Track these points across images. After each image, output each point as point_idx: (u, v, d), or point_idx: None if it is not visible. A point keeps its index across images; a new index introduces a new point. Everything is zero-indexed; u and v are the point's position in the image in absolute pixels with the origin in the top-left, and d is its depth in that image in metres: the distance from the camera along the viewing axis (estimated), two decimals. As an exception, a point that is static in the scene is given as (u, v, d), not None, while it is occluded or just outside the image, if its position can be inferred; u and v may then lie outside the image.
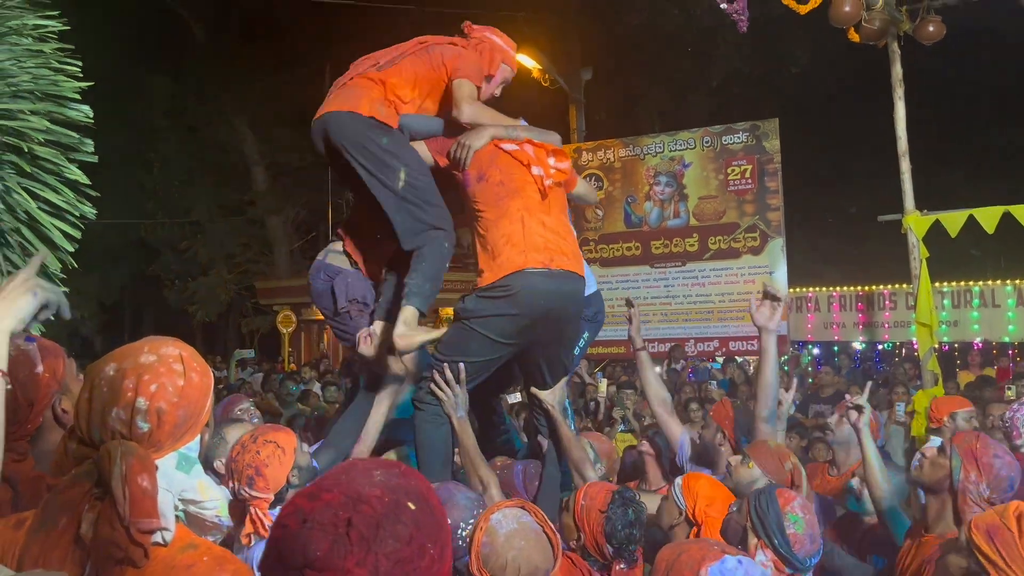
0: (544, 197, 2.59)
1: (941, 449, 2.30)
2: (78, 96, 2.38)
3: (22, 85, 2.12)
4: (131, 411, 1.21)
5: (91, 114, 2.31)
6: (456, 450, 2.58)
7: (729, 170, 10.69)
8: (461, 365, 2.52)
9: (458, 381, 2.49)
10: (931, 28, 6.73)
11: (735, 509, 2.20)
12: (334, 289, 2.88)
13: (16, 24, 2.37)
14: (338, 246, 3.01)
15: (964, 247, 11.00)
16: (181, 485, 1.27)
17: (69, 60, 2.40)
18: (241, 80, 16.46)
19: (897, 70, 6.82)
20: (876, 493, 2.67)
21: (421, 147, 2.76)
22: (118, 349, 1.30)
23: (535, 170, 2.58)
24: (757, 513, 2.07)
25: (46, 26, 2.37)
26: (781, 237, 10.44)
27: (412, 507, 0.94)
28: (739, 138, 10.67)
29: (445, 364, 2.52)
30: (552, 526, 1.88)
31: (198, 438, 1.33)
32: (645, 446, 3.33)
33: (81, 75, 2.43)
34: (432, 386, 2.52)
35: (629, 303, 3.33)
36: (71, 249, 2.17)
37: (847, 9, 6.17)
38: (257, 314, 18.30)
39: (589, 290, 2.91)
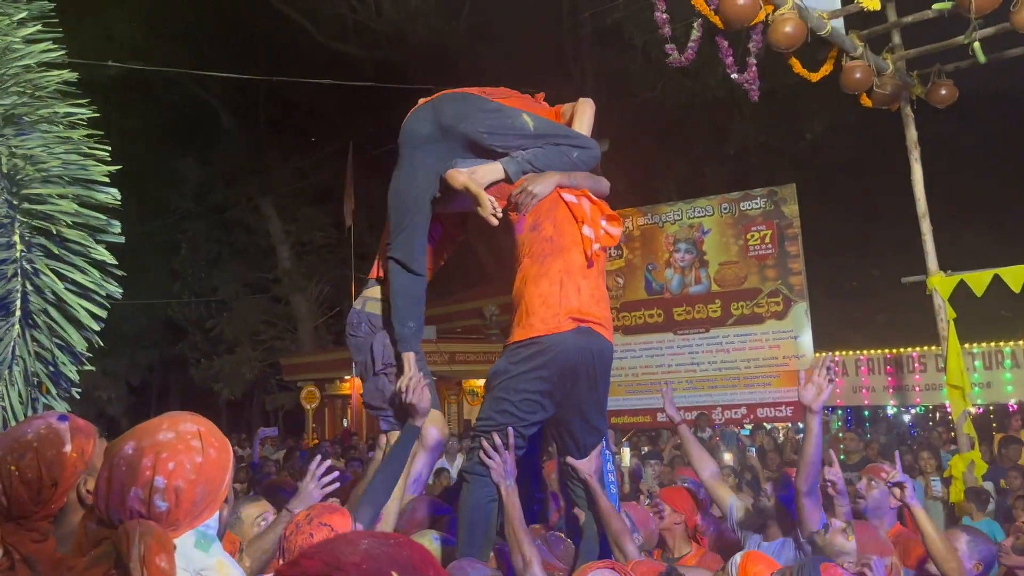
0: (588, 262, 2.60)
1: None
2: (107, 179, 2.46)
3: (52, 170, 2.20)
4: (149, 490, 1.20)
5: (119, 197, 2.38)
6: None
7: (749, 236, 10.70)
8: (510, 429, 2.50)
9: (507, 446, 2.47)
10: (943, 92, 6.78)
11: None
12: (373, 346, 2.84)
13: (47, 113, 2.47)
14: (376, 292, 2.98)
15: (993, 307, 10.85)
16: (200, 564, 1.25)
17: (98, 145, 2.49)
18: (267, 163, 16.93)
19: (912, 133, 6.86)
20: (949, 566, 2.54)
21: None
22: (137, 426, 1.30)
23: (586, 230, 2.60)
24: None
25: (76, 113, 2.46)
26: (804, 301, 10.37)
27: None
28: (757, 204, 10.72)
29: (493, 432, 2.50)
30: None
31: (217, 515, 1.32)
32: (666, 515, 3.25)
33: (110, 159, 2.51)
34: (481, 454, 2.49)
35: (663, 388, 3.35)
36: (97, 328, 2.21)
37: (858, 76, 6.25)
38: (281, 391, 18.35)
39: None
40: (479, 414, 2.64)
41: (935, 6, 5.71)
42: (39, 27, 2.93)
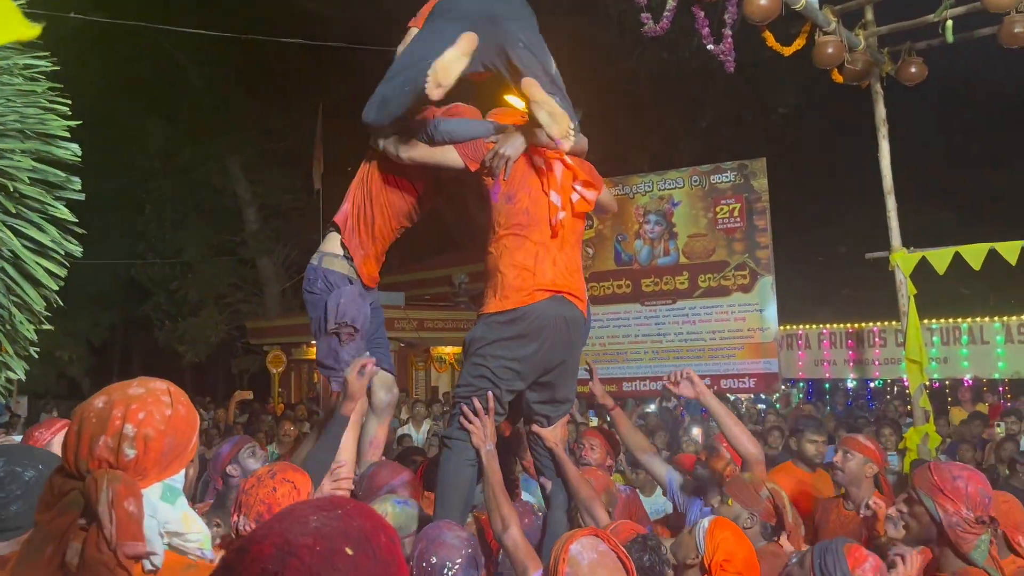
0: (555, 235, 2.59)
1: (908, 500, 2.18)
2: (67, 134, 2.40)
3: (9, 124, 2.14)
4: (118, 438, 1.21)
5: (79, 152, 2.32)
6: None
7: (718, 208, 10.77)
8: (490, 393, 2.51)
9: (487, 411, 2.48)
10: (913, 70, 6.84)
11: (795, 561, 2.06)
12: (327, 304, 2.81)
13: (6, 64, 2.39)
14: (334, 245, 2.92)
15: (953, 285, 11.07)
16: (165, 516, 1.26)
17: (59, 99, 2.42)
18: (235, 123, 16.60)
19: (880, 110, 6.92)
20: (745, 449, 2.77)
21: (451, 152, 2.72)
22: (108, 386, 1.31)
23: (553, 197, 2.57)
24: (822, 572, 1.92)
25: (36, 66, 2.39)
26: (771, 275, 10.50)
27: (350, 552, 0.88)
28: (727, 177, 10.78)
29: (473, 396, 2.51)
30: (625, 551, 1.86)
31: (183, 472, 1.33)
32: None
33: (70, 114, 2.45)
34: (461, 419, 2.50)
35: (588, 367, 3.22)
36: (55, 287, 2.17)
37: (830, 51, 6.27)
38: (247, 354, 18.21)
39: None
40: (459, 380, 2.64)
41: (908, -17, 5.73)
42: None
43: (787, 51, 6.22)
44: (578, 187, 2.64)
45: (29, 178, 2.11)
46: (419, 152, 2.73)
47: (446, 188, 3.06)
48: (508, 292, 2.54)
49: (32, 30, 0.50)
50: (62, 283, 2.23)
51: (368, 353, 2.78)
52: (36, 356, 2.26)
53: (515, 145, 2.60)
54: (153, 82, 16.62)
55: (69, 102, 2.43)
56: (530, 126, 2.66)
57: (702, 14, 5.56)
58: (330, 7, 14.60)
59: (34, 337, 2.25)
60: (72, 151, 2.28)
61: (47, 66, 2.39)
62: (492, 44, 2.72)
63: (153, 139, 17.33)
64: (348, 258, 2.89)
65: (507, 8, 2.81)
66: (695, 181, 10.99)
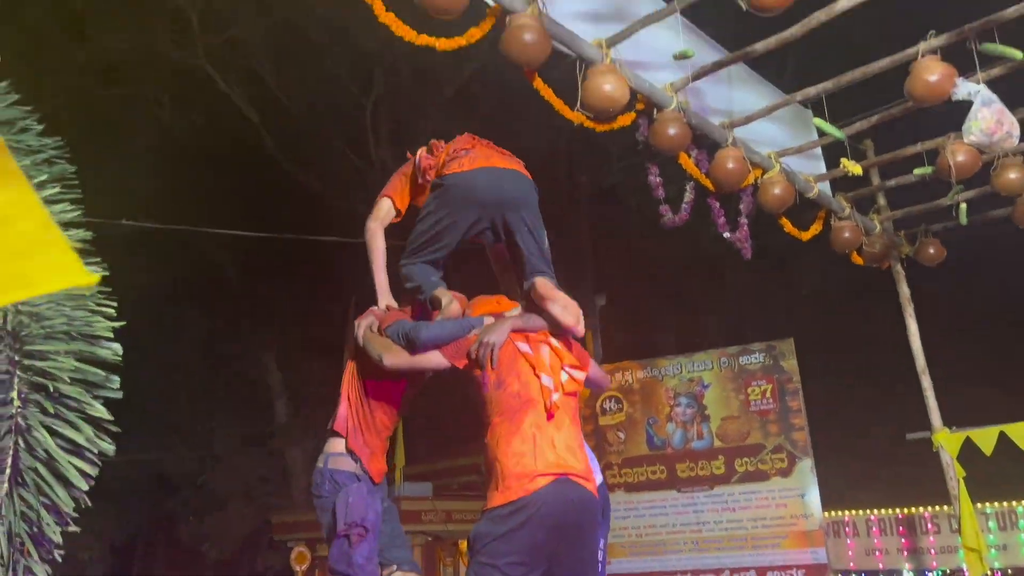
0: (550, 417, 2.58)
1: None
2: (111, 335, 2.48)
3: (57, 327, 2.23)
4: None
5: (120, 352, 2.40)
6: None
7: (749, 390, 10.65)
8: None
9: None
10: (931, 251, 6.97)
11: None
12: (336, 505, 2.76)
13: (59, 270, 2.53)
14: (338, 446, 2.94)
15: (1003, 464, 10.64)
16: None
17: (105, 301, 2.53)
18: (270, 316, 17.11)
19: (904, 290, 6.99)
20: None
21: (435, 355, 2.79)
22: None
23: (544, 380, 2.59)
24: None
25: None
26: (809, 458, 10.17)
27: None
28: (756, 358, 10.74)
29: None
30: None
31: None
32: None
33: (115, 315, 2.55)
34: None
35: None
36: (85, 488, 2.16)
37: (847, 235, 6.45)
38: (272, 550, 17.62)
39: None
40: None
41: (916, 171, 5.98)
42: (59, 188, 3.06)
43: (805, 236, 6.40)
44: (567, 368, 2.68)
45: (70, 378, 2.17)
46: (403, 360, 2.80)
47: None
48: (509, 482, 2.49)
49: (91, 277, 0.54)
50: (93, 482, 2.23)
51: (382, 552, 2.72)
52: (59, 560, 2.22)
53: (499, 333, 2.67)
54: (194, 279, 17.35)
55: (115, 303, 2.54)
56: (518, 317, 2.80)
57: (717, 204, 5.79)
58: (362, 204, 15.43)
59: (59, 540, 2.21)
60: (114, 351, 2.35)
61: (97, 271, 2.52)
62: (497, 222, 2.97)
63: (188, 334, 17.83)
64: (355, 458, 2.89)
65: (516, 190, 3.02)
66: (724, 363, 10.95)
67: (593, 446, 11.03)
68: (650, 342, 16.65)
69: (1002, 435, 6.24)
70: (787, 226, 6.36)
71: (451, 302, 2.91)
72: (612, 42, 4.77)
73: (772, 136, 6.07)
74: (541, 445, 2.51)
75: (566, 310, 2.75)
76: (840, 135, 5.48)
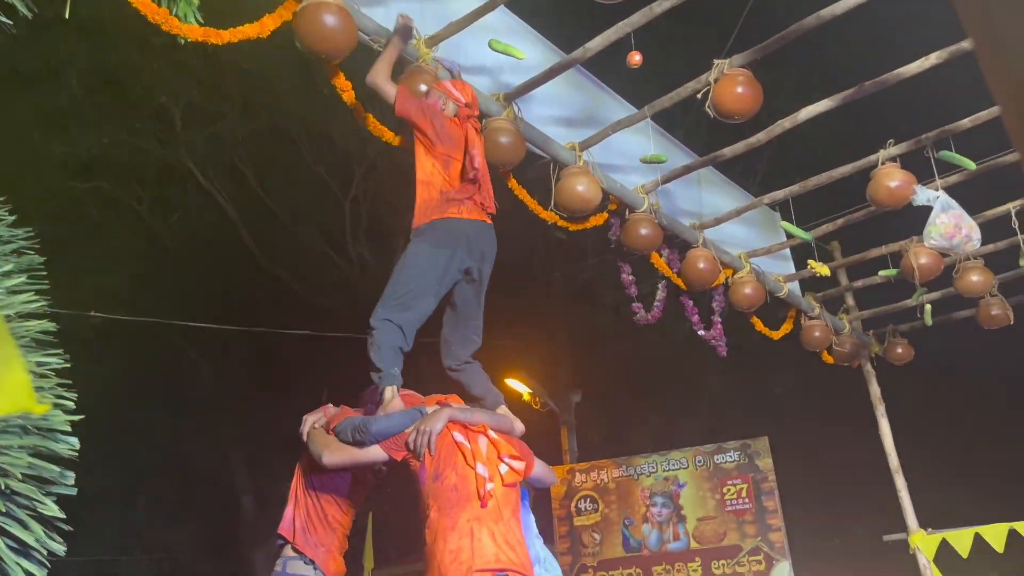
0: (484, 505, 2.54)
1: None
2: (68, 428, 2.41)
3: (12, 420, 2.17)
4: None
5: (77, 447, 2.33)
6: None
7: (725, 489, 10.51)
8: None
9: None
10: (899, 350, 7.07)
11: None
12: None
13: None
14: (291, 549, 2.88)
15: (980, 567, 10.48)
16: None
17: (65, 394, 2.47)
18: (240, 413, 16.78)
19: (875, 389, 7.04)
20: None
21: (375, 449, 2.75)
22: None
23: (480, 469, 2.55)
24: None
25: (47, 363, 2.48)
26: (787, 560, 9.96)
27: None
28: (731, 457, 10.65)
29: None
30: None
31: None
32: None
33: (75, 408, 2.48)
34: None
35: None
36: (31, 591, 2.06)
37: (817, 334, 6.53)
38: (231, 663, 16.73)
39: None
40: None
41: (881, 273, 6.12)
42: (24, 279, 3.04)
43: (776, 335, 6.47)
44: (506, 459, 2.66)
45: (23, 474, 2.09)
46: (343, 456, 2.78)
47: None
48: None
49: (40, 407, 0.53)
50: (40, 586, 2.12)
51: None
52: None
53: (436, 421, 2.67)
54: (162, 374, 17.06)
55: (75, 396, 2.48)
56: (458, 409, 2.85)
57: (691, 303, 5.87)
58: (336, 300, 15.43)
59: (-1, 651, 2.09)
60: (70, 445, 2.28)
61: (59, 363, 2.48)
62: (473, 270, 3.33)
63: (155, 431, 17.38)
64: (307, 560, 2.82)
65: (491, 250, 3.43)
66: (699, 461, 10.84)
67: (567, 548, 10.76)
68: (625, 440, 16.50)
69: (978, 536, 6.18)
70: (758, 325, 6.44)
71: (393, 397, 2.93)
72: (585, 145, 4.92)
73: (742, 237, 6.22)
74: (480, 538, 2.45)
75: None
76: (807, 236, 5.62)
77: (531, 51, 4.62)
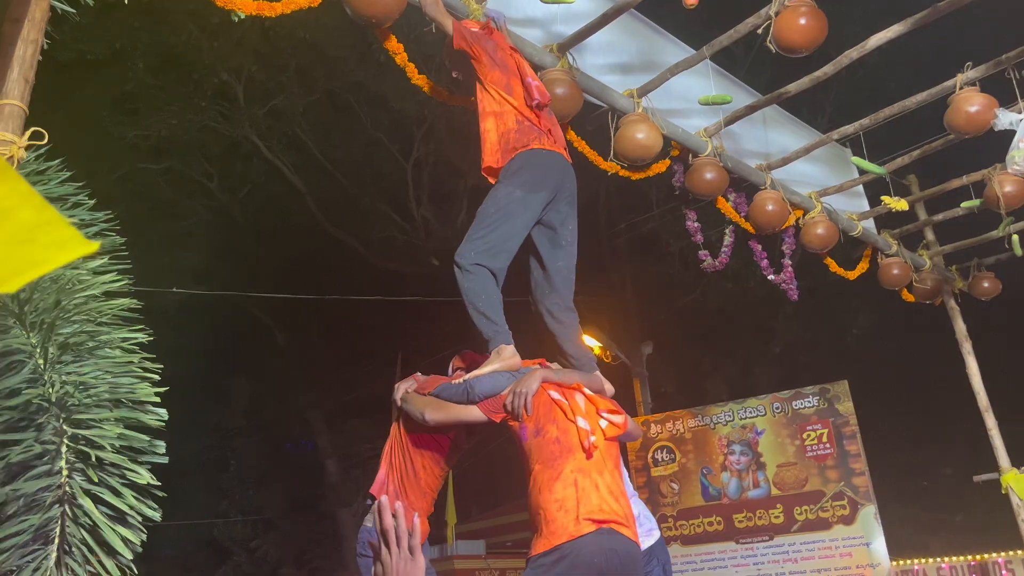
0: (589, 456, 2.54)
1: None
2: (157, 399, 2.51)
3: (102, 395, 2.26)
4: None
5: (165, 417, 2.42)
6: None
7: (805, 435, 10.36)
8: None
9: None
10: (986, 284, 6.78)
11: None
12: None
13: (108, 338, 2.58)
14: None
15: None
16: None
17: (152, 367, 2.57)
18: (317, 377, 17.26)
19: (960, 326, 6.79)
20: None
21: (474, 410, 2.77)
22: None
23: (581, 422, 2.56)
24: None
25: (134, 338, 2.57)
26: (872, 504, 9.80)
27: None
28: (810, 402, 10.47)
29: None
30: None
31: None
32: None
33: (160, 380, 2.58)
34: None
35: None
36: (129, 556, 2.16)
37: (896, 272, 6.31)
38: (325, 615, 17.48)
39: (650, 540, 2.81)
40: None
41: (963, 204, 5.85)
42: (107, 259, 3.16)
43: (851, 275, 6.28)
44: (604, 414, 2.67)
45: (115, 445, 2.19)
46: (444, 414, 2.80)
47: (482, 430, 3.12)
48: (552, 528, 2.44)
49: (91, 246, 0.58)
50: (140, 549, 2.22)
51: None
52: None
53: (530, 382, 2.68)
54: (240, 343, 17.63)
55: (161, 368, 2.58)
56: (551, 370, 2.84)
57: (759, 247, 5.72)
58: (403, 263, 15.63)
59: (106, 612, 2.21)
60: (159, 416, 2.37)
61: (144, 338, 2.57)
62: (556, 209, 3.21)
63: (238, 398, 18.05)
64: None
65: (573, 196, 3.30)
66: (777, 408, 10.69)
67: (646, 498, 10.80)
68: (700, 389, 16.38)
69: (1076, 473, 5.96)
70: (833, 266, 6.25)
71: (513, 354, 2.92)
72: (643, 91, 4.80)
73: (812, 176, 6.02)
74: (585, 488, 2.48)
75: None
76: (881, 171, 5.40)
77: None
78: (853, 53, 4.57)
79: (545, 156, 3.19)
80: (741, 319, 15.72)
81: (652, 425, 11.47)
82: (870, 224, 6.41)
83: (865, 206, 6.48)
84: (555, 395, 2.66)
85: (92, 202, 3.40)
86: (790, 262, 5.75)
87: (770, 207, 5.34)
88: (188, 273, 13.17)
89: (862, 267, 6.42)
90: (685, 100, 5.11)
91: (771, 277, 5.82)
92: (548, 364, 2.98)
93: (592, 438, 2.56)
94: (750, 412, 10.89)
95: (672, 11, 4.68)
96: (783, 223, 5.46)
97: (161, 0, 9.84)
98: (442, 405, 2.79)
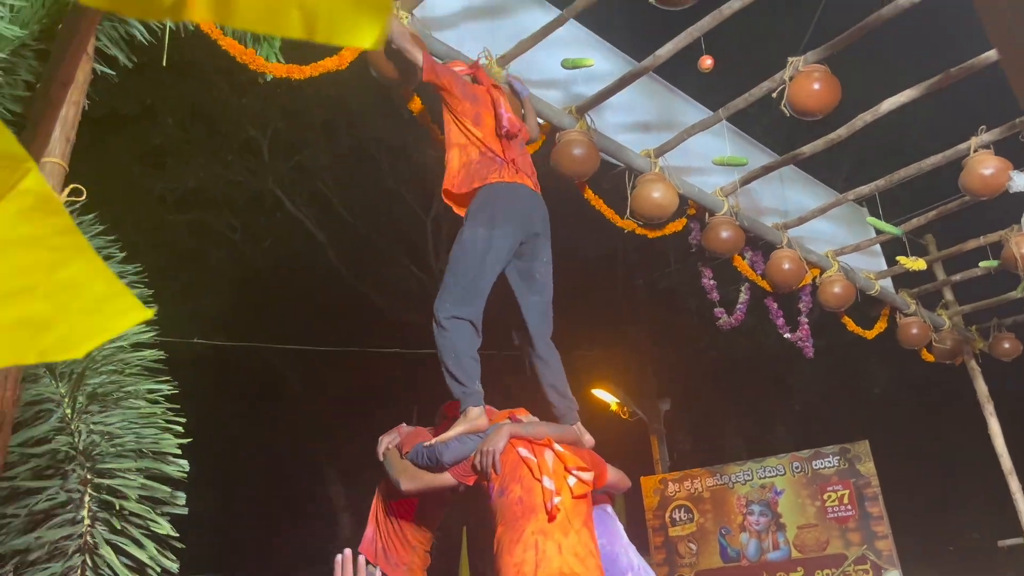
0: (552, 519, 2.47)
1: None
2: (179, 451, 2.56)
3: (128, 445, 2.31)
4: None
5: (187, 469, 2.46)
6: None
7: (825, 496, 10.19)
8: None
9: None
10: (1006, 345, 6.74)
11: None
12: None
13: (133, 390, 2.64)
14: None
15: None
16: None
17: (175, 419, 2.62)
18: (333, 429, 17.23)
19: (982, 387, 6.72)
20: None
21: (445, 476, 2.76)
22: None
23: (546, 482, 2.50)
24: None
25: (159, 390, 2.63)
26: (896, 569, 9.57)
27: None
28: (830, 462, 10.32)
29: None
30: None
31: None
32: None
33: (183, 431, 2.63)
34: None
35: None
36: (147, 608, 2.19)
37: (915, 332, 6.29)
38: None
39: None
40: None
41: (981, 264, 5.85)
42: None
43: (870, 335, 6.27)
44: (574, 471, 2.61)
45: (137, 495, 2.23)
46: (418, 483, 2.80)
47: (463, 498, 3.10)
48: None
49: (147, 312, 0.64)
50: (155, 602, 2.25)
51: None
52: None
53: (497, 440, 2.64)
54: (257, 394, 17.68)
55: (183, 420, 2.63)
56: (519, 424, 2.78)
57: (775, 305, 5.74)
58: (421, 316, 15.68)
59: (123, 659, 2.22)
60: (181, 468, 2.42)
61: (168, 390, 2.63)
62: (526, 244, 3.20)
63: (256, 450, 18.03)
64: None
65: (545, 225, 3.29)
66: (797, 467, 10.55)
67: (663, 559, 10.63)
68: (718, 447, 16.19)
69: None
70: (850, 325, 6.24)
71: (480, 416, 2.87)
72: (660, 151, 4.89)
73: (828, 234, 6.05)
74: (545, 551, 2.39)
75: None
76: (897, 231, 5.43)
77: (602, 61, 4.64)
78: (867, 116, 4.65)
79: (506, 189, 3.18)
80: (760, 376, 15.60)
81: (670, 484, 11.33)
82: (888, 283, 6.41)
83: (883, 265, 6.49)
84: (523, 452, 2.60)
85: (122, 255, 3.51)
86: (806, 320, 5.76)
87: (787, 266, 5.37)
88: (209, 323, 13.32)
89: (880, 326, 6.41)
90: (701, 158, 5.20)
91: (787, 335, 5.82)
92: (518, 417, 2.90)
93: (556, 499, 2.48)
94: (769, 471, 10.75)
95: (688, 71, 4.79)
96: (800, 281, 5.48)
97: (192, 58, 10.16)
98: (416, 474, 2.76)
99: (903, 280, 6.60)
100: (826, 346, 6.21)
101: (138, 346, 2.83)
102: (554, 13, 4.22)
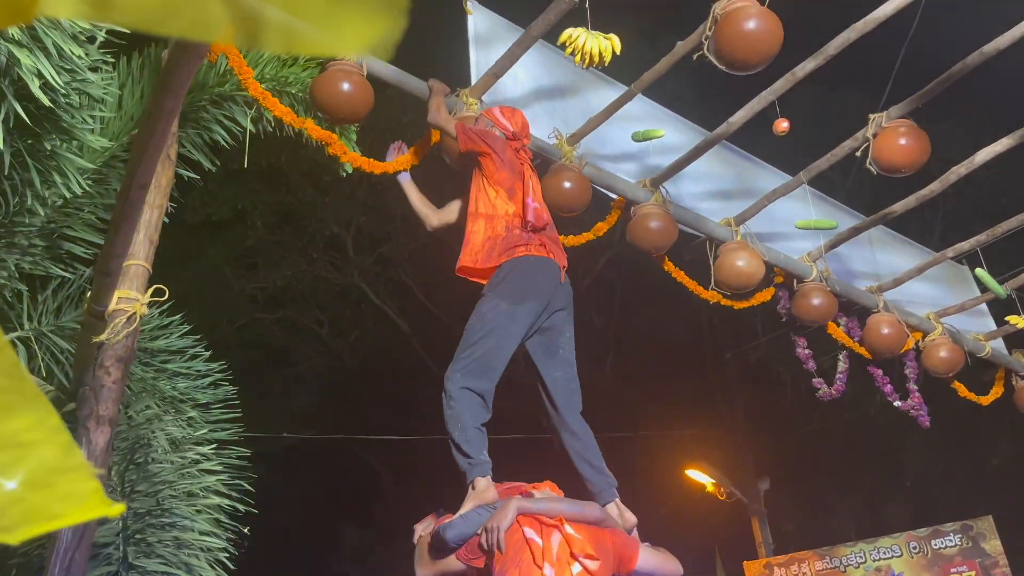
0: None
1: None
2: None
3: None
4: None
5: None
6: None
7: (950, 578, 9.40)
8: None
9: None
10: None
11: None
12: None
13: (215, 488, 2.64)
14: None
15: None
16: None
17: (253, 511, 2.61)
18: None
19: (1118, 451, 6.14)
20: None
21: (452, 559, 2.61)
22: None
23: (547, 571, 2.31)
24: None
25: (239, 485, 2.63)
26: (1040, 659, 8.67)
27: None
28: (951, 541, 9.55)
29: None
30: None
31: None
32: None
33: (272, 531, 2.60)
34: None
35: None
36: None
37: (1035, 394, 5.83)
38: None
39: None
40: None
41: (1103, 317, 5.42)
42: (221, 409, 3.33)
43: (984, 401, 5.84)
44: (580, 558, 2.39)
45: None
46: (431, 571, 2.67)
47: None
48: None
49: (115, 508, 0.46)
50: None
51: None
52: None
53: (503, 517, 2.46)
54: (348, 487, 17.74)
55: (269, 517, 2.61)
56: (529, 499, 2.60)
57: (880, 372, 5.42)
58: (506, 401, 15.54)
59: None
60: None
61: (247, 487, 2.63)
62: (544, 319, 3.07)
63: (346, 543, 17.99)
64: None
65: (568, 301, 3.16)
66: (914, 548, 9.80)
67: (775, 651, 9.93)
68: (825, 528, 15.25)
69: None
70: (962, 390, 5.83)
71: (488, 487, 2.72)
72: (740, 219, 4.77)
73: (927, 295, 5.74)
74: None
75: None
76: (1001, 291, 5.10)
77: (673, 133, 4.60)
78: (961, 169, 4.44)
79: (533, 263, 3.06)
80: (865, 450, 14.77)
81: (776, 568, 10.66)
82: (999, 344, 6.00)
83: (991, 325, 6.09)
84: (528, 533, 2.42)
85: (208, 353, 3.60)
86: (916, 387, 5.41)
87: (886, 330, 5.09)
88: (299, 417, 13.54)
89: (996, 391, 5.96)
90: (785, 224, 5.04)
91: (897, 404, 5.47)
92: (530, 492, 2.71)
93: None
94: (884, 552, 10.02)
95: (764, 136, 4.70)
96: (901, 347, 5.18)
97: (279, 163, 10.65)
98: (429, 562, 2.64)
99: (1016, 340, 6.16)
100: (937, 415, 5.80)
101: (223, 444, 2.87)
102: (622, 90, 4.22)
